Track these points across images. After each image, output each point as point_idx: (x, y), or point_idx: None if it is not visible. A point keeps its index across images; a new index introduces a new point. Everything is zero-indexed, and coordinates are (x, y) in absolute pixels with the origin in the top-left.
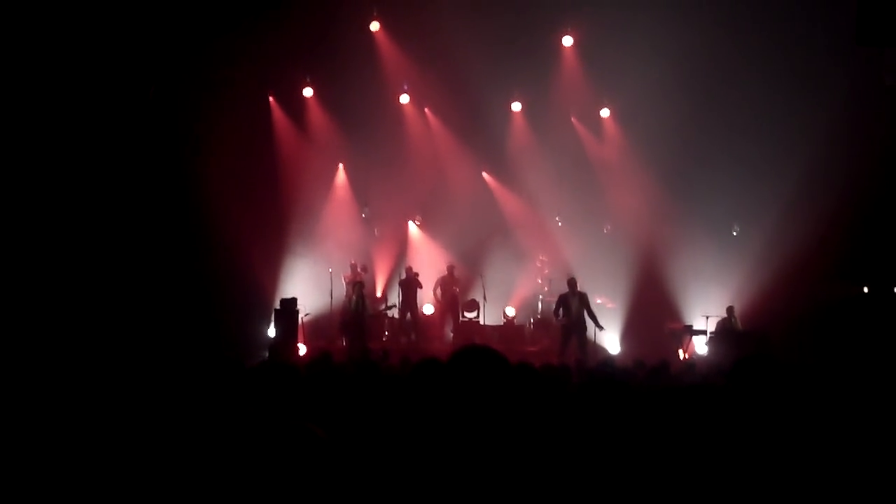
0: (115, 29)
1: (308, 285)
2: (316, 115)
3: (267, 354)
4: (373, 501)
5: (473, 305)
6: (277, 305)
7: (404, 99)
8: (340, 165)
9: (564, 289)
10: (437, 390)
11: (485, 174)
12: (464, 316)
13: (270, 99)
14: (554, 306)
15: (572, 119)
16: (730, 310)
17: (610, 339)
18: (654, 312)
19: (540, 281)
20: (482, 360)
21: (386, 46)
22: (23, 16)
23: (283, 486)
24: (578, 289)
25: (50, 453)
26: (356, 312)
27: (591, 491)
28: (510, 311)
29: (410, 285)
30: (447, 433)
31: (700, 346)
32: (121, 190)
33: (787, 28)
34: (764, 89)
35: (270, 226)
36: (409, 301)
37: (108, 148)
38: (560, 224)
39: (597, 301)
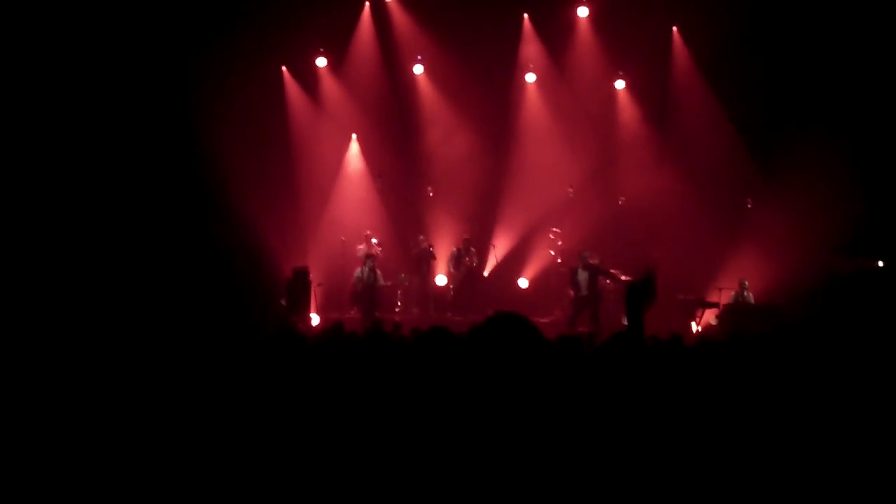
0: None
1: (321, 255)
2: (329, 86)
3: (279, 324)
4: (388, 469)
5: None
6: (290, 275)
7: (418, 69)
8: (354, 136)
9: (576, 261)
10: (458, 358)
11: (499, 145)
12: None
13: (283, 69)
14: (569, 279)
15: (587, 91)
16: (742, 283)
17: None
18: (667, 284)
19: (553, 252)
20: (515, 329)
21: (400, 17)
22: None
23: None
24: (589, 262)
25: (61, 433)
26: (368, 284)
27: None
28: (523, 283)
29: (423, 257)
30: (465, 402)
31: (713, 318)
32: (133, 163)
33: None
34: (780, 59)
35: (283, 196)
36: (422, 272)
37: (120, 121)
38: (573, 195)
39: (611, 271)
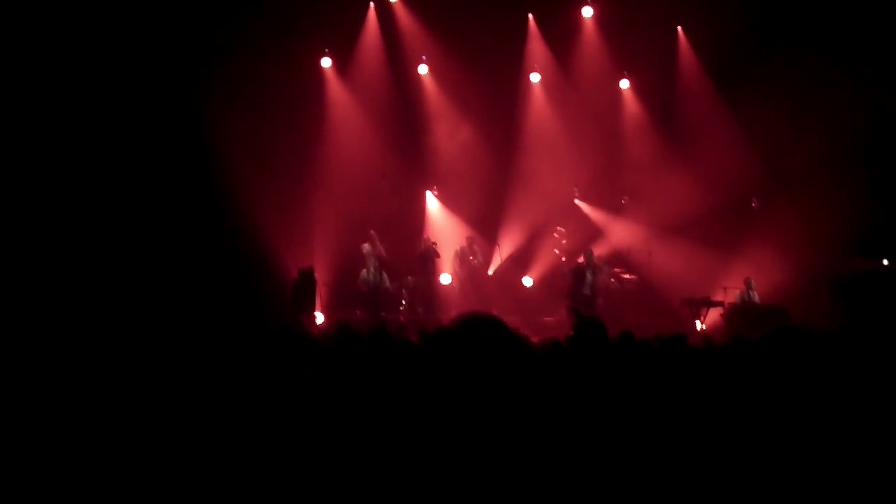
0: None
1: (327, 254)
2: (334, 86)
3: (285, 324)
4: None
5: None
6: (296, 275)
7: (423, 69)
8: (359, 135)
9: (581, 260)
10: (443, 360)
11: (504, 145)
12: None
13: (290, 68)
14: (572, 278)
15: (592, 91)
16: (747, 282)
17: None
18: (671, 284)
19: (557, 252)
20: (484, 330)
21: (404, 17)
22: None
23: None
24: (595, 261)
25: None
26: (373, 284)
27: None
28: (527, 282)
29: (428, 256)
30: (454, 402)
31: (717, 318)
32: (140, 162)
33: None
34: (785, 60)
35: (289, 195)
36: (427, 272)
37: (126, 121)
38: (577, 195)
39: (614, 271)
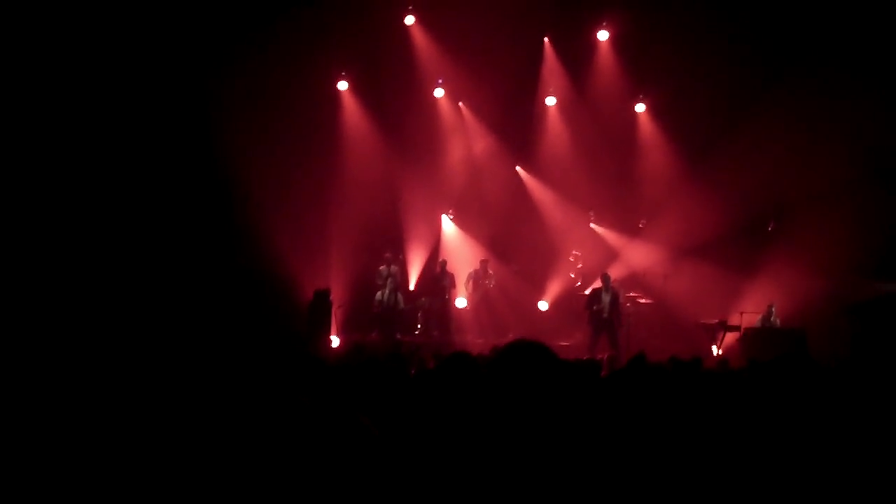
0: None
1: (343, 276)
2: (350, 109)
3: (299, 347)
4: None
5: None
6: (311, 297)
7: (439, 93)
8: (375, 159)
9: (598, 284)
10: (480, 383)
11: (519, 168)
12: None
13: (306, 91)
14: (587, 302)
15: (608, 114)
16: (770, 307)
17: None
18: (687, 307)
19: (573, 275)
20: (534, 356)
21: (421, 40)
22: None
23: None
24: (612, 284)
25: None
26: (388, 306)
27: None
28: (543, 306)
29: (443, 279)
30: (488, 426)
31: (734, 342)
32: (155, 181)
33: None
34: (804, 79)
35: (305, 217)
36: (442, 294)
37: (142, 137)
38: (593, 218)
39: (629, 295)
